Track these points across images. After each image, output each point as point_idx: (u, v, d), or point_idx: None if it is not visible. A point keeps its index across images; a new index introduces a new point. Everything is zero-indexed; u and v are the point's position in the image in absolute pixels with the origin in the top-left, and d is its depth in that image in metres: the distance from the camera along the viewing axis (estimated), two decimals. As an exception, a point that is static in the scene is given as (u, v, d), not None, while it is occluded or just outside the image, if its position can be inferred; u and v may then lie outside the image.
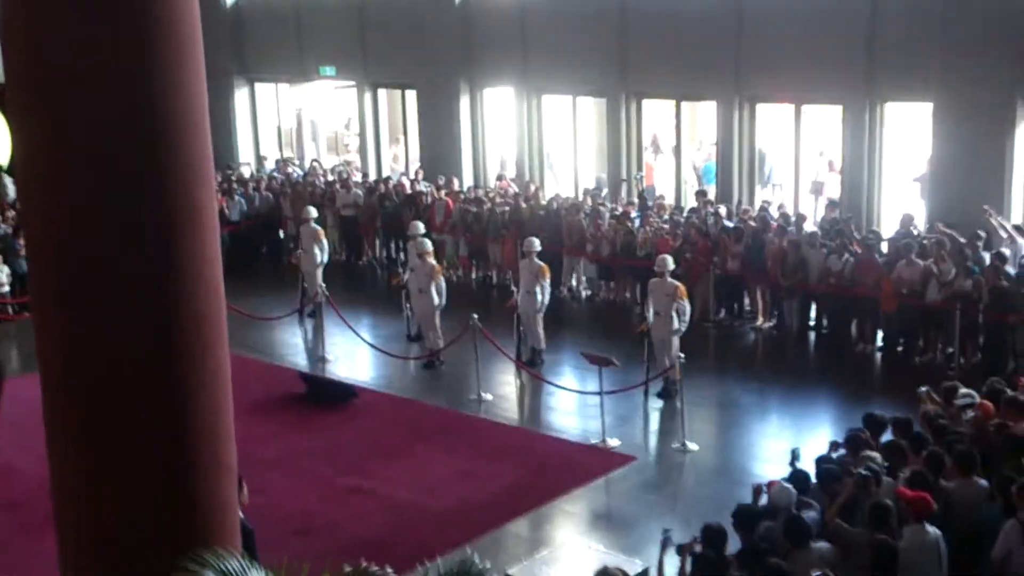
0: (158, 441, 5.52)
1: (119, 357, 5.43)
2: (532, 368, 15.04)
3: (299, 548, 10.08)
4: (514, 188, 21.10)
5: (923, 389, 10.41)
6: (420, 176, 21.99)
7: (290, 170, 24.15)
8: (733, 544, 8.00)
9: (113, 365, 5.43)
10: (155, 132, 5.33)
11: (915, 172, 19.38)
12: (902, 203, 18.67)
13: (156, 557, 5.40)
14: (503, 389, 14.67)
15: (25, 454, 12.11)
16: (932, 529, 7.81)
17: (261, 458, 12.29)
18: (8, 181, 22.15)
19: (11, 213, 19.91)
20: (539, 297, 15.14)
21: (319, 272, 17.77)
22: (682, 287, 13.98)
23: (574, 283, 18.96)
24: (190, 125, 5.46)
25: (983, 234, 15.19)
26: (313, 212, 18.39)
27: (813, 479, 8.87)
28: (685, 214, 18.20)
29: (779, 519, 8.14)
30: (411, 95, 23.75)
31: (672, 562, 8.03)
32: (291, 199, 21.89)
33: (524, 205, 19.38)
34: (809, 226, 16.96)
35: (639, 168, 20.66)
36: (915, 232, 16.04)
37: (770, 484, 8.70)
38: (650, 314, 14.06)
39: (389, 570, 5.76)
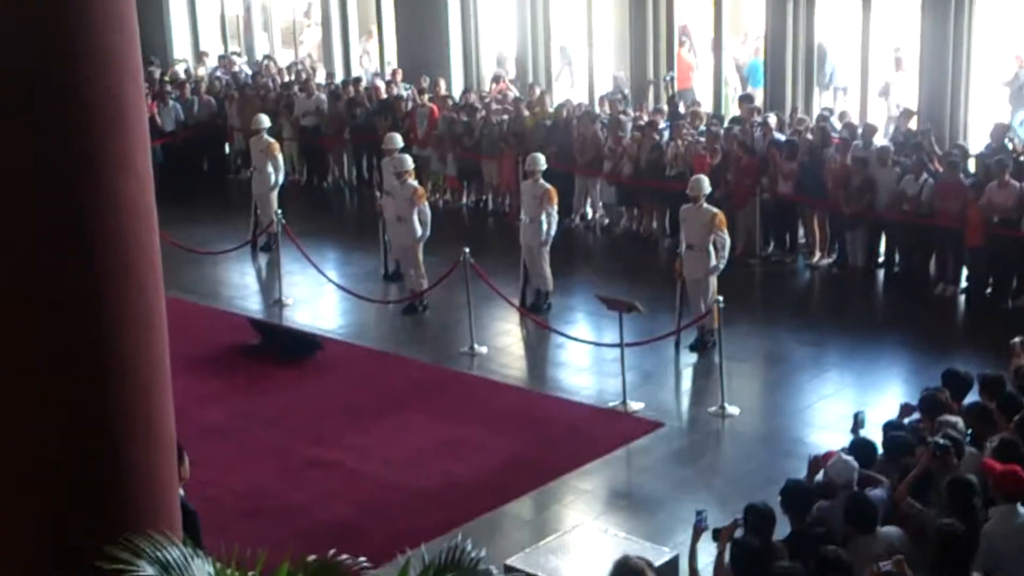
0: (79, 406, 5.54)
1: (28, 303, 5.43)
2: (537, 314, 15.10)
3: (251, 533, 10.17)
4: (514, 92, 21.02)
5: (1017, 340, 10.46)
6: (398, 77, 21.91)
7: (236, 69, 24.05)
8: (782, 528, 8.09)
9: (21, 313, 5.43)
10: (69, 22, 5.29)
11: (1005, 74, 19.27)
12: (994, 111, 18.61)
13: (81, 546, 5.45)
14: (501, 340, 14.74)
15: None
16: (1026, 511, 7.89)
17: (205, 424, 12.34)
18: None
19: None
20: (544, 227, 15.16)
21: (274, 196, 17.76)
22: (721, 215, 13.99)
23: (588, 210, 18.96)
24: (112, 14, 5.43)
25: (1094, 149, 15.19)
26: (265, 121, 18.35)
27: (880, 449, 8.94)
28: (726, 124, 18.17)
29: (838, 498, 8.22)
30: (386, -25, 23.61)
31: (707, 550, 8.11)
32: (238, 105, 21.83)
33: (527, 113, 19.32)
34: (879, 140, 16.92)
35: (669, 67, 20.56)
36: (1010, 147, 16.00)
37: (827, 456, 8.78)
38: (682, 248, 14.08)
39: (362, 561, 5.83)
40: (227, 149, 22.62)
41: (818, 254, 16.86)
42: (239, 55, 25.79)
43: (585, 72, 22.19)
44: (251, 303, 16.48)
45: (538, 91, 20.25)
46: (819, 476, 8.69)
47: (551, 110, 19.38)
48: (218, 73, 24.03)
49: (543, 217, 15.12)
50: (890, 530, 7.91)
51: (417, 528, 10.20)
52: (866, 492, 8.24)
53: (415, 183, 15.73)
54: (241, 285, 17.28)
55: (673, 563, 8.69)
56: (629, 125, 18.38)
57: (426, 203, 15.62)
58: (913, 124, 17.25)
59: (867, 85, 19.22)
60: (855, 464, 8.45)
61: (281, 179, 17.97)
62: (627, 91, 20.43)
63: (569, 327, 14.72)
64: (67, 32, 5.29)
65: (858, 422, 9.44)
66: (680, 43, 22.30)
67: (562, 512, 10.92)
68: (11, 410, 5.51)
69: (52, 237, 5.40)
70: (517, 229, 15.67)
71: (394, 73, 22.25)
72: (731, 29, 21.83)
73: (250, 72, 23.99)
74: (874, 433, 9.30)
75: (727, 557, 7.91)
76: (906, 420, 9.49)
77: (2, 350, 5.46)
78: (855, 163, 16.03)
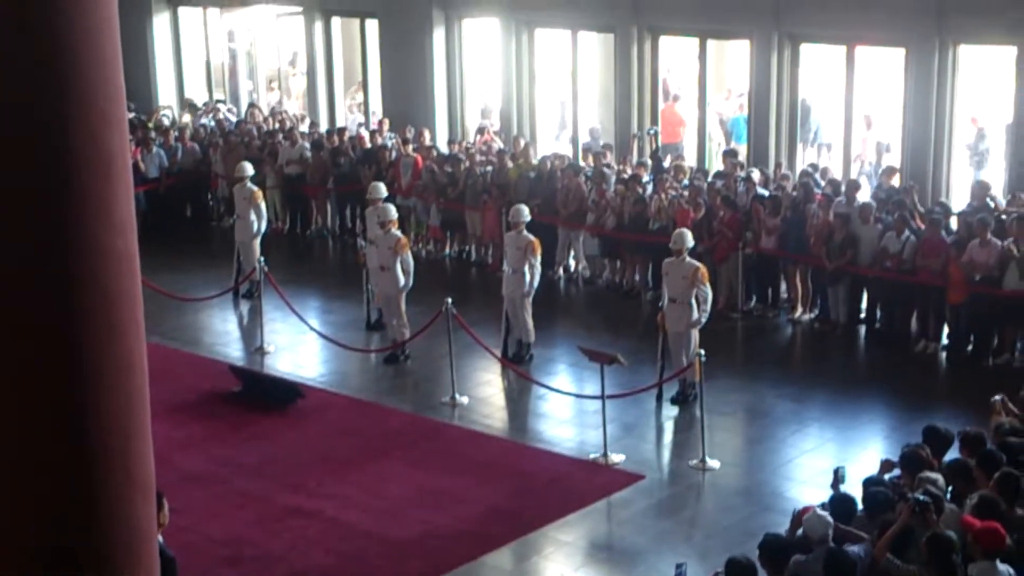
0: (57, 451, 5.52)
1: (8, 348, 5.43)
2: (518, 365, 15.12)
3: (229, 582, 10.16)
4: (498, 143, 21.12)
5: (997, 398, 10.51)
6: (384, 127, 22.01)
7: (221, 116, 24.12)
8: (762, 583, 8.10)
9: (0, 358, 5.44)
10: (54, 68, 5.33)
11: (966, 136, 19.37)
12: (975, 170, 18.77)
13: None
14: (483, 391, 14.75)
15: None
16: (1004, 568, 7.91)
17: (184, 471, 12.33)
18: None
19: None
20: (527, 278, 15.21)
21: (256, 243, 17.79)
22: (704, 269, 14.06)
23: (571, 262, 19.02)
24: (97, 59, 5.46)
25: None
26: (249, 169, 18.41)
27: (860, 505, 8.96)
28: (709, 179, 18.27)
29: (814, 552, 8.24)
30: (372, 25, 23.74)
31: (686, 604, 8.12)
32: (222, 152, 21.90)
33: (511, 165, 19.42)
34: (863, 196, 17.03)
35: (653, 121, 20.71)
36: (992, 205, 16.12)
37: (803, 511, 8.80)
38: (664, 301, 14.14)
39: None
40: (210, 196, 22.66)
41: (800, 309, 16.92)
42: (223, 102, 25.84)
43: (568, 124, 22.31)
44: (233, 350, 16.47)
45: (522, 143, 20.35)
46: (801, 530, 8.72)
47: (535, 162, 19.47)
48: (202, 120, 24.09)
49: (526, 268, 15.17)
50: (869, 586, 7.93)
51: (396, 578, 10.21)
52: (844, 548, 8.26)
53: (398, 233, 15.79)
54: (223, 332, 17.27)
55: (652, 616, 8.70)
56: (613, 178, 18.48)
57: (409, 253, 15.67)
58: (895, 182, 17.36)
59: (850, 142, 19.38)
60: (830, 520, 8.48)
61: (264, 227, 18.01)
62: (602, 143, 20.50)
63: (551, 378, 14.75)
64: (51, 80, 5.32)
65: (838, 477, 9.46)
66: (674, 99, 22.48)
67: (542, 564, 10.91)
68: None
69: (33, 283, 5.41)
70: (500, 280, 15.72)
71: (380, 123, 22.34)
72: (715, 85, 22.01)
73: (234, 119, 24.07)
74: (854, 488, 9.33)
75: (706, 611, 7.93)
76: (887, 476, 9.52)
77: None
78: (837, 219, 16.12)
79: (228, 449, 13.19)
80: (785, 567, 8.13)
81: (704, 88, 20.72)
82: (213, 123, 23.75)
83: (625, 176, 18.45)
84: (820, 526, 8.39)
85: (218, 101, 25.83)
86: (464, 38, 22.64)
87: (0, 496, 5.52)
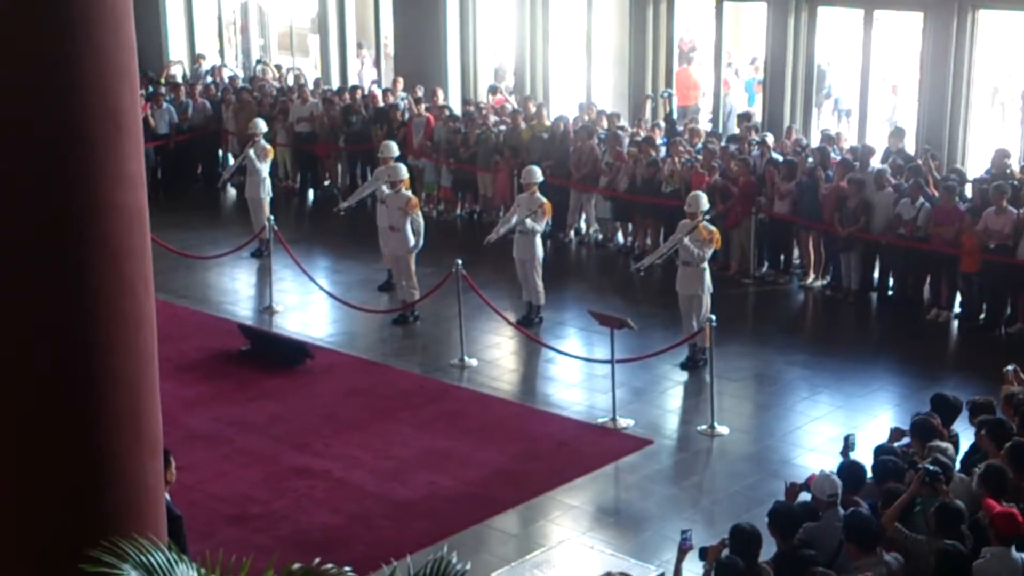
0: (65, 408, 5.56)
1: (15, 304, 5.45)
2: (528, 328, 15.14)
3: (235, 539, 10.21)
4: (512, 104, 21.07)
5: (1010, 368, 10.50)
6: (398, 86, 21.94)
7: (226, 76, 24.01)
8: (768, 549, 8.12)
9: (8, 314, 5.46)
10: (64, 21, 5.33)
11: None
12: (993, 136, 18.71)
13: (64, 548, 5.47)
14: (491, 353, 14.77)
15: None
16: (1020, 556, 7.80)
17: (191, 430, 12.38)
18: None
19: None
20: (537, 240, 15.19)
21: (266, 202, 17.79)
22: (716, 233, 14.05)
23: (583, 225, 19.00)
24: (109, 12, 5.46)
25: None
26: (262, 126, 18.39)
27: (869, 473, 8.99)
28: (723, 142, 18.21)
29: (824, 518, 8.27)
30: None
31: (694, 569, 8.14)
32: (234, 109, 21.85)
33: (523, 126, 19.37)
34: (876, 162, 16.97)
35: (668, 84, 20.63)
36: (1009, 172, 16.05)
37: (810, 478, 8.82)
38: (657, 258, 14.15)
39: (347, 569, 5.86)
40: (221, 153, 22.63)
41: (812, 275, 16.90)
42: (224, 64, 25.59)
43: (582, 85, 22.22)
44: (241, 309, 16.50)
45: (535, 104, 20.24)
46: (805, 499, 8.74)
47: (548, 123, 19.42)
48: (208, 80, 23.98)
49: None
50: (891, 560, 7.91)
51: (402, 539, 10.27)
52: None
53: (409, 193, 15.77)
54: (232, 291, 17.30)
55: (658, 581, 8.74)
56: (626, 140, 18.43)
57: (419, 213, 15.66)
58: (905, 145, 17.27)
59: (866, 106, 19.28)
60: (838, 480, 8.51)
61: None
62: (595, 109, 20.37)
63: (560, 342, 14.76)
64: (64, 36, 5.32)
65: (848, 445, 9.49)
66: (688, 60, 22.39)
67: (548, 527, 10.95)
68: (-1, 411, 5.55)
69: (44, 240, 5.43)
70: (511, 242, 15.69)
71: (394, 82, 22.26)
72: (731, 46, 21.89)
73: (241, 76, 23.98)
74: (864, 456, 9.34)
75: (712, 576, 7.96)
76: (896, 444, 9.54)
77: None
78: (852, 185, 16.06)
79: (235, 408, 13.24)
80: (794, 535, 8.15)
81: (720, 51, 20.61)
82: (225, 81, 23.66)
83: (638, 138, 18.39)
84: (829, 485, 8.41)
85: (221, 66, 25.46)
86: (478, -3, 22.56)
87: (9, 452, 5.56)
